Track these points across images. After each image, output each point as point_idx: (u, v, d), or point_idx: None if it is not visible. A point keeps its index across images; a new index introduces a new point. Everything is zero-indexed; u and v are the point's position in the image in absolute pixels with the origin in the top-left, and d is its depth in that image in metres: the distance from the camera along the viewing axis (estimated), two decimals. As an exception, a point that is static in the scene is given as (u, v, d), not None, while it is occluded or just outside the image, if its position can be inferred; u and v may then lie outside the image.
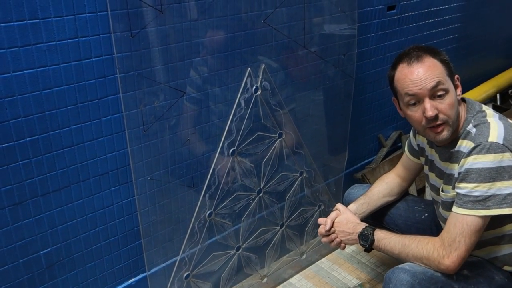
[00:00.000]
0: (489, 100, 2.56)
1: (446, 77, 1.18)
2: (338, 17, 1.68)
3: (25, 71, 1.06)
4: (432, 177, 1.39)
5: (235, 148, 1.52)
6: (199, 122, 1.43)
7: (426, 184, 1.62)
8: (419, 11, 2.05)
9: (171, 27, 1.25)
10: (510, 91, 2.70)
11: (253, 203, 1.66)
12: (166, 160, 1.40)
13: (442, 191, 1.31)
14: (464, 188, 1.15)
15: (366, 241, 1.32)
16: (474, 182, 1.13)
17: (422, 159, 1.46)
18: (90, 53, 1.15)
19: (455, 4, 2.22)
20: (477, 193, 1.13)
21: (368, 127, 2.11)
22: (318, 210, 1.92)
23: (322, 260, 1.96)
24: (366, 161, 2.17)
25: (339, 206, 1.49)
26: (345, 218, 1.43)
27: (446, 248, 1.16)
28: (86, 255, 1.35)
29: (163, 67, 1.28)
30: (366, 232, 1.33)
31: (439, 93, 1.16)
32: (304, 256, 1.91)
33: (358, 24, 1.76)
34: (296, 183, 1.77)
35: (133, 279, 1.49)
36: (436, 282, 1.19)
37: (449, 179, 1.27)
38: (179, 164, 1.44)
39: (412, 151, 1.52)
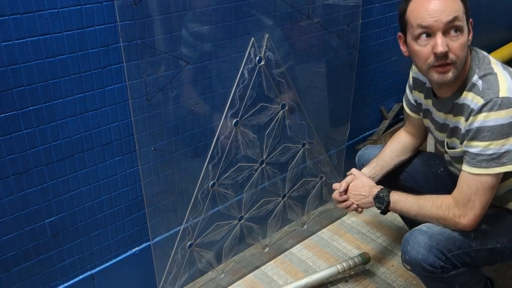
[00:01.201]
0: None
1: (463, 15, 1.12)
2: (343, -14, 1.65)
3: (27, 39, 1.04)
4: (433, 129, 1.36)
5: (238, 118, 1.51)
6: (203, 92, 1.42)
7: (429, 136, 1.58)
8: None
9: (174, -5, 1.23)
10: (513, 63, 2.69)
11: (256, 173, 1.66)
12: (170, 130, 1.39)
13: (447, 145, 1.28)
14: (477, 146, 1.12)
15: (382, 203, 1.31)
16: (487, 140, 1.10)
17: (421, 114, 1.44)
18: (93, 21, 1.13)
19: None
20: (490, 151, 1.10)
21: (370, 99, 2.10)
22: (320, 181, 1.93)
23: (323, 230, 1.98)
24: (368, 133, 2.18)
25: (353, 170, 1.48)
26: (360, 182, 1.42)
27: (461, 208, 1.16)
28: (91, 224, 1.37)
29: (166, 36, 1.26)
30: (381, 194, 1.32)
31: (454, 30, 1.10)
32: (305, 227, 1.94)
33: (363, -6, 1.73)
34: (299, 154, 1.78)
35: (137, 248, 1.51)
36: (454, 242, 1.19)
37: (455, 132, 1.23)
38: (183, 134, 1.43)
39: (410, 107, 1.48)
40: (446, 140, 1.29)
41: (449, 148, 1.28)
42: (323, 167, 1.91)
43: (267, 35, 1.47)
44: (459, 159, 1.22)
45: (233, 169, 1.58)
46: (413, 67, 1.40)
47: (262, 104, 1.55)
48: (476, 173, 1.13)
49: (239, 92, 1.48)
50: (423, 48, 1.14)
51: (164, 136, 1.39)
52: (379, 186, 1.39)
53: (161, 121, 1.36)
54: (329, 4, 1.64)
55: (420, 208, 1.24)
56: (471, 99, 1.15)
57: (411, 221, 1.46)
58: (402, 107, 2.22)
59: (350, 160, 2.05)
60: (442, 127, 1.30)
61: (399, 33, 1.25)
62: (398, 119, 2.26)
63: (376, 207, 1.35)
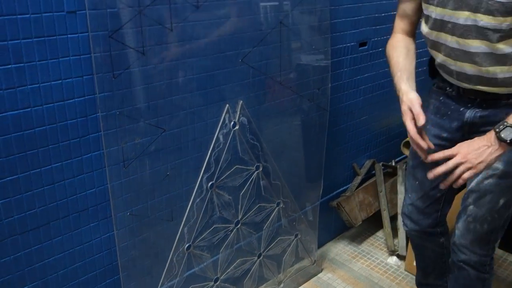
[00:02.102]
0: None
1: None
2: (313, 54, 1.75)
3: (8, 112, 1.08)
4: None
5: (213, 181, 1.55)
6: (179, 157, 1.46)
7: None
8: (390, 46, 2.14)
9: (152, 68, 1.29)
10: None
11: (231, 234, 1.68)
12: (146, 195, 1.42)
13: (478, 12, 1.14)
14: None
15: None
16: None
17: None
18: (73, 94, 1.18)
19: (422, 40, 2.32)
20: None
21: (343, 157, 2.17)
22: (295, 239, 1.95)
23: (299, 288, 1.99)
24: (341, 189, 2.23)
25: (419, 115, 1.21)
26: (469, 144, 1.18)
27: None
28: (64, 291, 1.35)
29: (144, 105, 1.31)
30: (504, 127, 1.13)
31: None
32: (281, 285, 1.94)
33: (331, 60, 1.83)
34: (273, 213, 1.81)
35: (111, 314, 1.49)
36: None
37: None
38: (159, 198, 1.46)
39: None
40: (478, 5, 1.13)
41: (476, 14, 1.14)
42: (298, 224, 1.95)
43: (241, 101, 1.54)
44: (481, 30, 1.14)
45: (209, 230, 1.60)
46: None
47: (237, 166, 1.60)
48: None
49: (214, 155, 1.52)
50: None
51: (140, 200, 1.41)
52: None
53: (137, 186, 1.38)
54: (300, 70, 1.73)
55: None
56: None
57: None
58: (373, 163, 2.30)
59: (324, 216, 2.10)
60: None
61: None
62: (370, 175, 2.33)
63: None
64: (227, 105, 1.51)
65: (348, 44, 1.93)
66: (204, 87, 1.44)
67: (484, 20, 1.14)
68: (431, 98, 1.46)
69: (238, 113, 1.55)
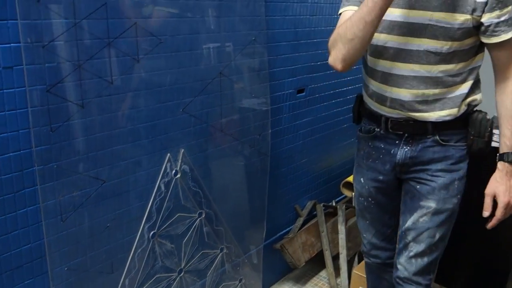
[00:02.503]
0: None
1: None
2: (253, 101, 1.82)
3: None
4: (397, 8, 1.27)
5: (155, 230, 1.54)
6: (120, 207, 1.45)
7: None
8: (326, 93, 2.26)
9: (91, 120, 1.29)
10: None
11: (174, 283, 1.66)
12: (85, 248, 1.39)
13: (431, 18, 1.24)
14: (507, 13, 1.20)
15: None
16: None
17: None
18: (8, 149, 1.15)
19: (357, 86, 2.47)
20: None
21: (285, 199, 2.22)
22: (239, 284, 1.96)
23: (244, 334, 1.98)
24: (284, 231, 2.27)
25: None
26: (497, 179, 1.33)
27: None
28: None
29: (83, 157, 1.30)
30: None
31: None
32: (226, 332, 1.92)
33: (271, 106, 1.91)
34: (217, 259, 1.81)
35: None
36: None
37: (459, 6, 1.21)
38: (98, 250, 1.43)
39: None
40: (439, 13, 1.23)
41: (432, 19, 1.24)
42: (242, 269, 1.95)
43: (183, 149, 1.56)
44: (442, 31, 1.23)
45: (151, 281, 1.57)
46: None
47: (179, 214, 1.60)
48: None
49: (156, 205, 1.52)
50: None
51: (78, 254, 1.38)
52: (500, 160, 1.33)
53: (76, 239, 1.35)
54: (241, 117, 1.78)
55: None
56: None
57: None
58: (314, 204, 2.36)
59: (268, 258, 2.12)
60: (418, 0, 1.24)
61: None
62: (312, 216, 2.39)
63: None
64: (169, 154, 1.53)
65: (287, 91, 2.02)
66: (145, 137, 1.45)
67: (428, 44, 1.26)
68: (359, 144, 1.55)
69: (180, 161, 1.56)
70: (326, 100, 2.29)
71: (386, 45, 1.31)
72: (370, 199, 1.54)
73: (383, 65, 1.34)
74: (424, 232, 1.41)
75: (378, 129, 1.44)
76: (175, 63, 1.48)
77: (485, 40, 1.26)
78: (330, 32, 2.12)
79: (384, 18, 1.22)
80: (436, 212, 1.40)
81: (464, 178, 1.41)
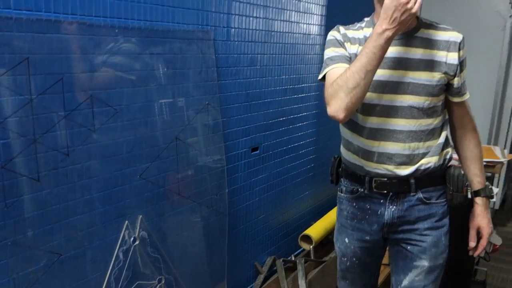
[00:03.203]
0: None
1: None
2: (209, 163, 1.86)
3: None
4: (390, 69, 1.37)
5: (114, 301, 1.51)
6: (77, 279, 1.41)
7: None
8: (279, 149, 2.34)
9: (47, 193, 1.28)
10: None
11: None
12: (40, 326, 1.33)
13: (412, 77, 1.35)
14: (464, 75, 1.39)
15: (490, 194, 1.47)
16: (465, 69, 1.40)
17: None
18: (-41, 229, 1.12)
19: (308, 140, 2.57)
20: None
21: (244, 257, 2.23)
22: None
23: None
24: (245, 289, 2.26)
25: None
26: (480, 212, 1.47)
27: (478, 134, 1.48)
28: None
29: (39, 231, 1.28)
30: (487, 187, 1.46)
31: None
32: None
33: (227, 166, 1.95)
34: (179, 325, 1.78)
35: None
36: None
37: (437, 65, 1.36)
38: (54, 327, 1.38)
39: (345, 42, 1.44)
40: (417, 72, 1.35)
41: (413, 78, 1.35)
42: (205, 332, 1.92)
43: (141, 216, 1.56)
44: (422, 88, 1.35)
45: None
46: (340, 28, 1.45)
47: (138, 282, 1.58)
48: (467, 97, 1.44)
49: (114, 274, 1.49)
50: None
51: (33, 333, 1.32)
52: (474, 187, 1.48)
53: (30, 317, 1.30)
54: (197, 178, 1.81)
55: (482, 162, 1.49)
56: (448, 35, 1.37)
57: None
58: (274, 259, 2.37)
59: None
60: (412, 62, 1.36)
61: None
62: (272, 272, 2.40)
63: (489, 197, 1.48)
64: (126, 221, 1.52)
65: (241, 150, 2.08)
66: (102, 206, 1.45)
67: (412, 100, 1.36)
68: (342, 205, 1.54)
69: (138, 228, 1.56)
70: (280, 157, 2.36)
71: (373, 102, 1.38)
72: (354, 259, 1.54)
73: (371, 121, 1.40)
74: None
75: (362, 189, 1.47)
76: (131, 131, 1.51)
77: (455, 99, 1.42)
78: (280, 92, 2.23)
79: None
80: (429, 270, 1.46)
81: (448, 232, 1.49)
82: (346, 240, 1.53)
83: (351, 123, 1.45)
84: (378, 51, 1.23)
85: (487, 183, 1.47)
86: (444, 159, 1.45)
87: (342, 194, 1.55)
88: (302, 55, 2.39)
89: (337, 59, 1.39)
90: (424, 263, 1.46)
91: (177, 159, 1.70)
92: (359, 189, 1.47)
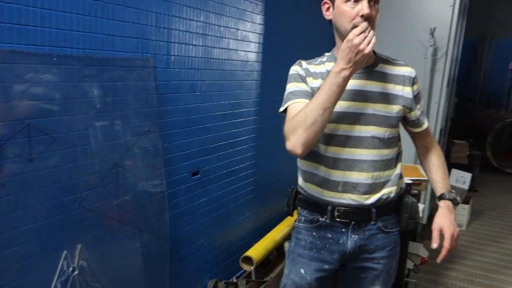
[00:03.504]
0: (286, 238, 2.95)
1: None
2: (150, 188, 1.86)
3: None
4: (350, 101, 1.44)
5: (52, 334, 1.46)
6: (11, 315, 1.37)
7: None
8: (219, 173, 2.38)
9: (-19, 225, 1.24)
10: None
11: None
12: None
13: (374, 109, 1.45)
14: (421, 107, 1.53)
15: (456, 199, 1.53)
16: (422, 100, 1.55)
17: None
18: None
19: (248, 163, 2.64)
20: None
21: (187, 281, 2.23)
22: None
23: None
24: (188, 314, 2.26)
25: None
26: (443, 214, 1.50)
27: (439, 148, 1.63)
28: None
29: (-30, 266, 1.23)
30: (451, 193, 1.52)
31: (374, 2, 1.36)
32: None
33: (168, 191, 1.96)
34: None
35: None
36: None
37: (395, 98, 1.47)
38: None
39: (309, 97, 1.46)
40: (376, 104, 1.45)
41: (374, 109, 1.45)
42: None
43: (80, 245, 1.54)
44: (383, 119, 1.45)
45: None
46: (302, 62, 1.51)
47: (78, 313, 1.54)
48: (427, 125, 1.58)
49: (52, 306, 1.46)
50: (351, 10, 1.35)
51: None
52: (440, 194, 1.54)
53: None
54: (138, 204, 1.81)
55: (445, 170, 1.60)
56: (403, 70, 1.50)
57: None
58: (215, 282, 2.39)
59: None
60: (370, 95, 1.45)
61: (325, 0, 1.45)
62: (214, 294, 2.41)
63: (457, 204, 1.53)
64: (65, 251, 1.50)
65: (182, 175, 2.10)
66: (39, 237, 1.42)
67: (374, 131, 1.44)
68: (299, 235, 1.55)
69: (77, 257, 1.53)
70: (220, 180, 2.40)
71: (337, 133, 1.44)
72: None
73: (335, 151, 1.45)
74: None
75: (323, 219, 1.49)
76: (70, 159, 1.50)
77: (415, 130, 1.57)
78: (220, 117, 2.29)
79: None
80: None
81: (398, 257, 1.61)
82: (302, 271, 1.53)
83: (314, 155, 1.48)
84: (336, 89, 1.30)
85: (452, 191, 1.54)
86: (400, 188, 1.55)
87: (300, 224, 1.56)
88: (241, 81, 2.47)
89: (298, 94, 1.44)
90: (377, 287, 1.55)
91: (117, 185, 1.69)
92: (320, 219, 1.50)
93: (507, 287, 3.25)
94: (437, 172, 1.58)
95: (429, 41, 3.44)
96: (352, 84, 1.41)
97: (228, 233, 2.53)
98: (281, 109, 1.47)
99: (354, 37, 1.29)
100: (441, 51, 3.53)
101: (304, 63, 1.50)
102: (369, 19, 1.33)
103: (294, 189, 1.62)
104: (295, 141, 1.33)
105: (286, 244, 2.77)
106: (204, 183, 2.27)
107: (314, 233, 1.52)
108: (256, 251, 2.59)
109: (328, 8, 1.44)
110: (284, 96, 1.48)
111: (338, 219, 1.47)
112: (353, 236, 1.49)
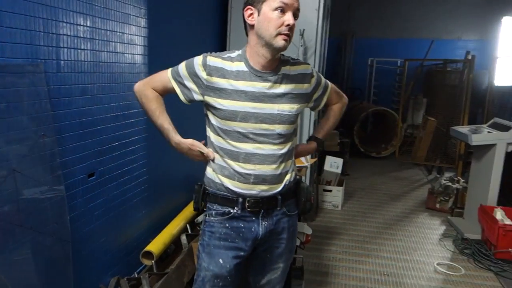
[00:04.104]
0: (182, 231, 3.09)
1: None
2: (47, 192, 1.88)
3: None
4: (261, 104, 1.62)
5: None
6: None
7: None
8: (114, 173, 2.44)
9: None
10: (195, 219, 3.33)
11: None
12: None
13: (278, 109, 1.63)
14: (320, 88, 1.78)
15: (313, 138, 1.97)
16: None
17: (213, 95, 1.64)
18: None
19: (141, 162, 2.73)
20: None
21: (91, 281, 2.27)
22: None
23: None
24: (92, 313, 2.29)
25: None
26: None
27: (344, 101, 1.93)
28: None
29: None
30: None
31: (295, 15, 1.56)
32: None
33: (66, 193, 1.99)
34: None
35: None
36: None
37: (296, 97, 1.66)
38: None
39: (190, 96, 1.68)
40: (285, 105, 1.64)
41: (280, 110, 1.63)
42: None
43: (-18, 252, 1.54)
44: (289, 117, 1.66)
45: None
46: (208, 58, 1.63)
47: (-16, 320, 1.54)
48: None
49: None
50: (279, 18, 1.53)
51: None
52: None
53: None
54: (38, 209, 1.82)
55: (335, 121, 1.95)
56: (303, 68, 1.70)
57: None
58: (118, 279, 2.46)
59: None
60: (279, 95, 1.64)
61: (249, 7, 1.59)
62: (117, 292, 2.47)
63: None
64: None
65: (79, 177, 2.14)
66: None
67: (280, 128, 1.64)
68: (212, 228, 1.68)
69: (-20, 264, 1.53)
70: (115, 180, 2.47)
71: (247, 131, 1.61)
72: (228, 278, 1.67)
73: (246, 147, 1.62)
74: (277, 286, 1.80)
75: (234, 210, 1.65)
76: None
77: (319, 108, 1.84)
78: (112, 118, 2.36)
79: (240, 110, 1.59)
80: (284, 270, 1.78)
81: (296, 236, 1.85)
82: (221, 261, 1.66)
83: (227, 151, 1.65)
84: (164, 136, 1.72)
85: (324, 140, 1.94)
86: (295, 176, 1.79)
87: (212, 218, 1.69)
88: (130, 83, 2.55)
89: (178, 80, 1.67)
90: (280, 265, 1.77)
91: (16, 191, 1.70)
92: (231, 211, 1.65)
93: (377, 253, 3.77)
94: (325, 121, 1.92)
95: (300, 42, 3.81)
96: (259, 86, 1.60)
97: (127, 231, 2.60)
98: (169, 71, 1.70)
99: (197, 151, 1.68)
100: (310, 50, 3.93)
101: (210, 59, 1.62)
102: (292, 28, 1.55)
103: (201, 185, 1.74)
104: (138, 88, 1.75)
105: (183, 237, 2.92)
106: (100, 184, 2.32)
107: (227, 225, 1.67)
108: (155, 245, 2.70)
109: (251, 14, 1.58)
110: (176, 67, 1.69)
111: (249, 209, 1.65)
112: (263, 223, 1.68)
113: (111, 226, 2.44)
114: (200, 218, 3.22)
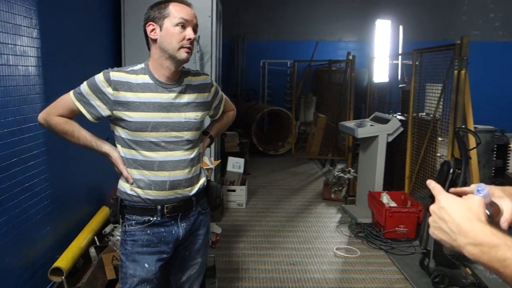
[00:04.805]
0: (91, 244, 3.03)
1: None
2: None
3: None
4: (171, 114, 1.70)
5: None
6: None
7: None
8: (15, 190, 2.33)
9: None
10: (103, 230, 3.27)
11: None
12: None
13: (185, 117, 1.72)
14: (218, 98, 1.91)
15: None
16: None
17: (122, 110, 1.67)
18: None
19: (42, 177, 2.63)
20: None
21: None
22: None
23: None
24: None
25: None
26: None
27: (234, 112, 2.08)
28: None
29: None
30: None
31: (194, 30, 1.67)
32: None
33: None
34: None
35: None
36: None
37: (199, 105, 1.76)
38: None
39: (97, 114, 1.68)
40: (191, 113, 1.73)
41: (187, 118, 1.72)
42: None
43: None
44: (196, 124, 1.76)
45: None
46: (111, 74, 1.65)
47: None
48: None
49: None
50: (180, 33, 1.63)
51: None
52: None
53: None
54: None
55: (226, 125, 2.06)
56: (203, 79, 1.80)
57: None
58: None
59: None
60: (185, 105, 1.73)
61: (151, 23, 1.66)
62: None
63: None
64: None
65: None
66: None
67: (188, 135, 1.72)
68: (134, 236, 1.71)
69: None
70: (17, 197, 2.36)
71: (158, 140, 1.67)
72: (155, 280, 1.74)
73: (159, 155, 1.68)
74: (196, 281, 1.89)
75: (154, 218, 1.72)
76: None
77: (217, 116, 1.96)
78: (8, 133, 2.29)
79: (151, 120, 1.65)
80: (201, 265, 1.88)
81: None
82: (146, 265, 1.72)
83: (140, 162, 1.70)
84: (94, 148, 1.75)
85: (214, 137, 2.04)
86: (206, 177, 1.90)
87: (133, 227, 1.73)
88: (25, 96, 2.46)
89: (83, 100, 1.67)
90: (198, 259, 1.88)
91: None
92: (151, 219, 1.72)
93: (282, 245, 4.00)
94: (218, 122, 2.03)
95: (196, 48, 3.91)
96: (165, 97, 1.68)
97: (32, 249, 2.50)
98: (70, 93, 1.71)
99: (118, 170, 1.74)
100: (207, 55, 4.05)
101: (114, 75, 1.65)
102: (192, 41, 1.67)
103: (118, 198, 1.76)
104: (42, 119, 1.71)
105: (92, 250, 2.86)
106: (1, 203, 2.21)
107: (149, 231, 1.73)
108: (64, 261, 2.62)
109: (153, 30, 1.66)
110: (78, 88, 1.70)
111: (168, 215, 1.73)
112: (182, 224, 1.79)
113: (16, 245, 2.33)
114: (108, 229, 3.17)
